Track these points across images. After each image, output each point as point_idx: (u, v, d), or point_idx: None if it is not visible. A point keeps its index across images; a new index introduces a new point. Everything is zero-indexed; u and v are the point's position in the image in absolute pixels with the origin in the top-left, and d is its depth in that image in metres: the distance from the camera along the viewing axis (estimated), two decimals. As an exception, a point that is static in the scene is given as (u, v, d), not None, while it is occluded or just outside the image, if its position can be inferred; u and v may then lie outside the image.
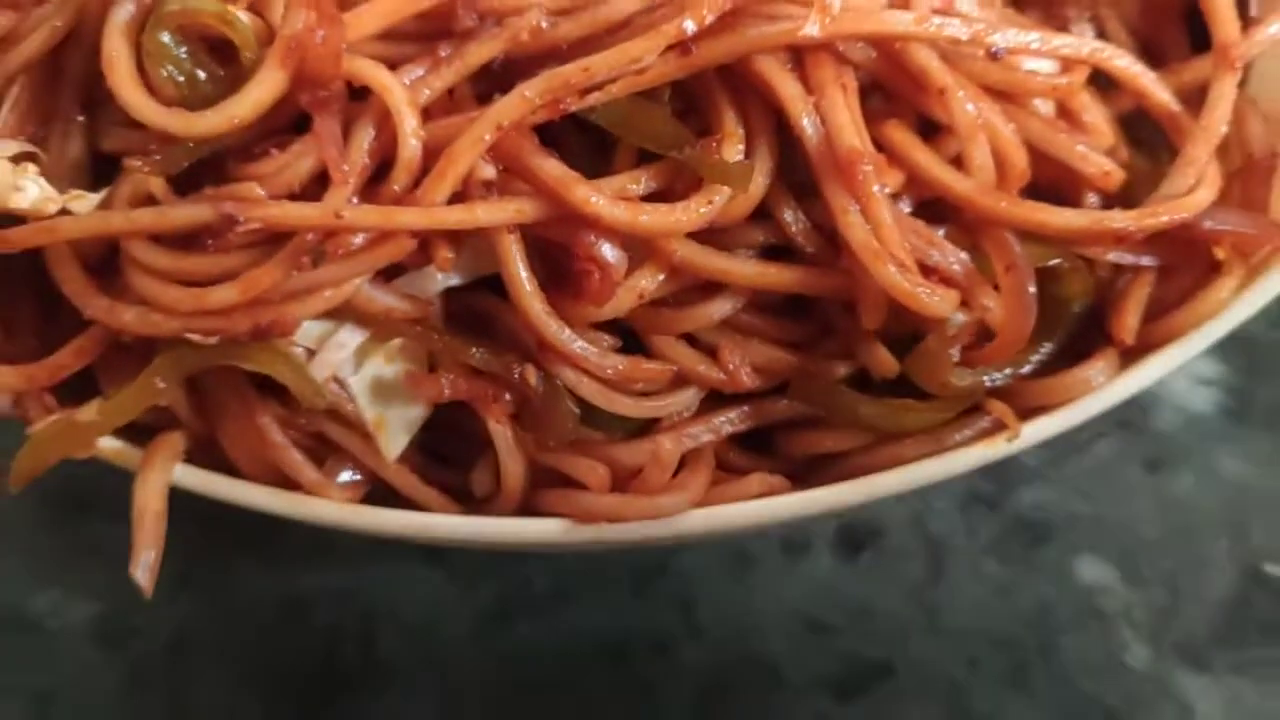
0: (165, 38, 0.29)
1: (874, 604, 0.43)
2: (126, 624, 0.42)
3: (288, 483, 0.32)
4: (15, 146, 0.31)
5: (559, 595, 0.43)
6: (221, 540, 0.42)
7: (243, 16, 0.29)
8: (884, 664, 0.41)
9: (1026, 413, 0.33)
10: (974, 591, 0.43)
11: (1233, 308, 0.32)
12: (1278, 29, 0.36)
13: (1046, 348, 0.33)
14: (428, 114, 0.30)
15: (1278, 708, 0.41)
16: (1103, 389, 0.33)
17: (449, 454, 0.34)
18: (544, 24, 0.30)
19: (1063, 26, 0.37)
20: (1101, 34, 0.38)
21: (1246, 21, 0.36)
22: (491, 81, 0.30)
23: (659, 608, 0.43)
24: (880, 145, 0.31)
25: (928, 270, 0.30)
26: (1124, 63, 0.33)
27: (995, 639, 0.42)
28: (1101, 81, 0.36)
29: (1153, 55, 0.38)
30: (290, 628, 0.42)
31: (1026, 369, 0.33)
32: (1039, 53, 0.31)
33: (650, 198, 0.30)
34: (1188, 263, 0.33)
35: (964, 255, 0.31)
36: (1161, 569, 0.43)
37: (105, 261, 0.32)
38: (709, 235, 0.31)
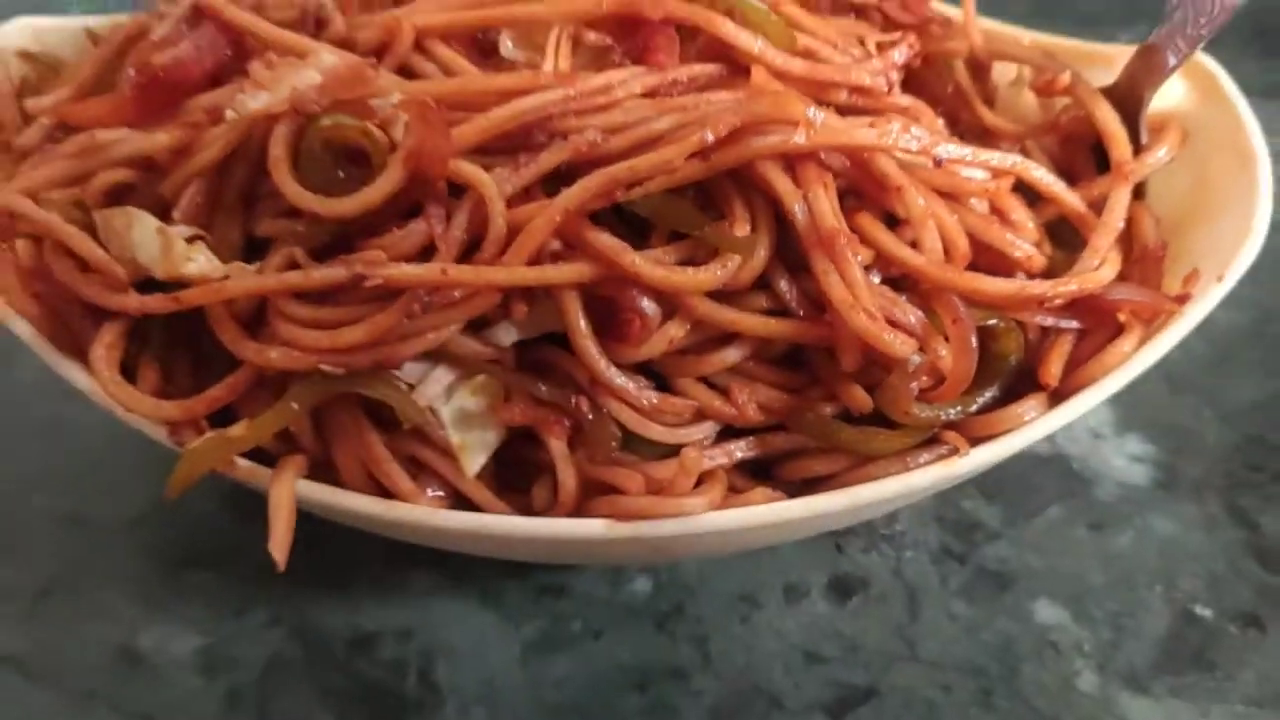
0: (317, 146, 0.39)
1: (861, 640, 0.49)
2: (224, 655, 0.48)
3: (387, 495, 0.41)
4: (189, 230, 0.40)
5: (591, 633, 0.49)
6: (304, 588, 0.49)
7: (376, 131, 0.39)
8: (870, 689, 0.48)
9: (974, 441, 0.41)
10: (946, 629, 0.49)
11: (1133, 360, 0.41)
12: (1162, 154, 0.46)
13: (989, 392, 0.41)
14: (509, 203, 0.39)
15: None
16: (1033, 423, 0.41)
17: (514, 482, 0.42)
18: (598, 139, 0.40)
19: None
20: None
21: (1138, 148, 0.47)
22: (558, 180, 0.40)
23: (677, 643, 0.49)
24: (853, 230, 0.40)
25: (892, 324, 0.39)
26: (1040, 174, 0.43)
27: (965, 668, 0.48)
28: (1030, 197, 0.46)
29: (1069, 177, 0.48)
30: (361, 659, 0.48)
31: (974, 407, 0.41)
32: (972, 163, 0.41)
33: (678, 265, 0.39)
34: (1098, 326, 0.42)
35: (920, 313, 0.40)
36: (1106, 610, 0.49)
37: (251, 320, 0.41)
38: (723, 296, 0.39)
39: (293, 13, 0.44)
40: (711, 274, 0.38)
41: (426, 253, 0.38)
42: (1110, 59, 0.48)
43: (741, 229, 0.38)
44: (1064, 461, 0.53)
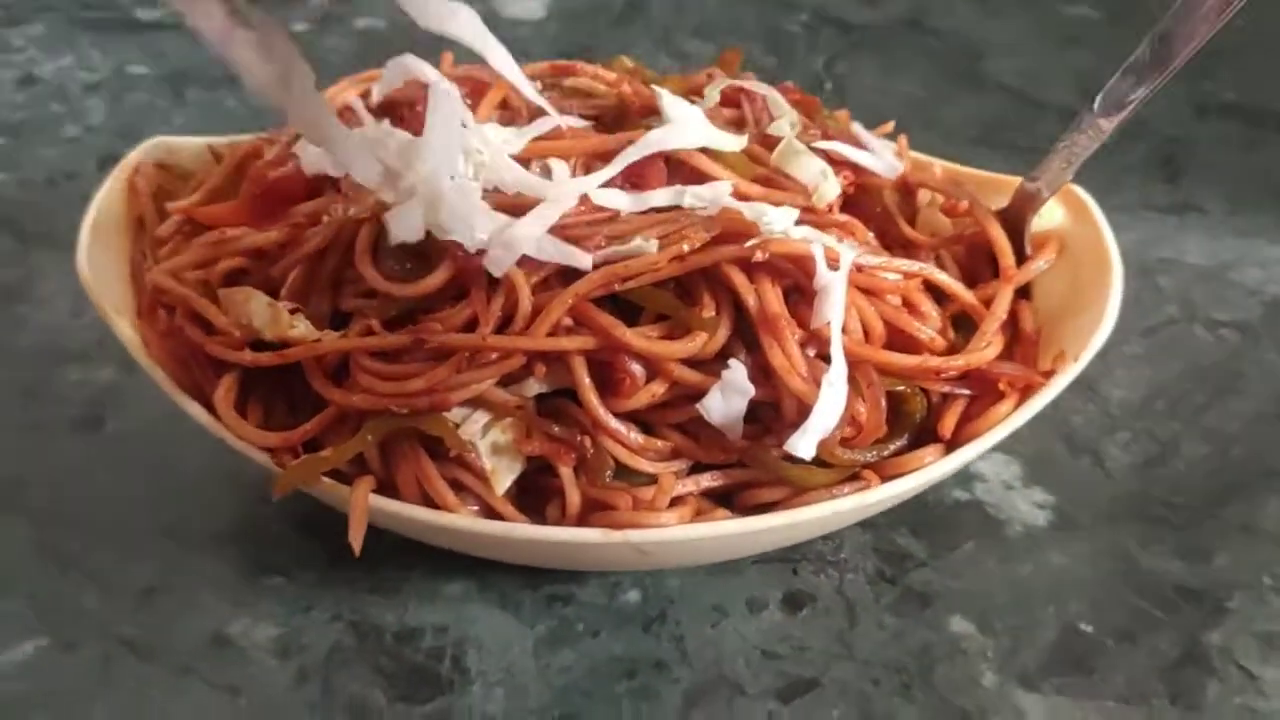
0: (391, 244, 0.52)
1: (808, 642, 0.59)
2: (296, 642, 0.59)
3: (436, 506, 0.53)
4: (291, 305, 0.54)
5: (591, 632, 0.59)
6: (361, 593, 0.61)
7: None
8: (815, 680, 0.58)
9: (886, 478, 0.53)
10: (877, 635, 0.59)
11: (1009, 420, 0.53)
12: (1041, 263, 0.58)
13: (899, 441, 0.53)
14: (533, 290, 0.51)
15: (1085, 715, 0.55)
16: (930, 466, 0.53)
17: (532, 505, 0.53)
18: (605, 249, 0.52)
19: (915, 258, 0.59)
20: (941, 266, 0.60)
21: (1022, 257, 0.60)
22: (571, 273, 0.52)
23: (660, 641, 0.58)
24: (793, 316, 0.53)
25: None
26: (942, 277, 0.55)
27: (891, 666, 0.57)
28: (940, 296, 0.58)
29: (972, 277, 0.61)
30: (406, 647, 0.59)
31: (886, 452, 0.53)
32: (887, 269, 0.54)
33: (660, 339, 0.52)
34: (984, 392, 0.53)
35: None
36: (1007, 624, 0.59)
37: (335, 372, 0.54)
38: (694, 363, 0.52)
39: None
40: (684, 346, 0.50)
41: (471, 326, 0.51)
42: (1007, 186, 0.60)
43: (708, 313, 0.51)
44: (981, 507, 0.65)
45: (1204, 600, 0.61)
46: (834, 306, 0.50)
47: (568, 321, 0.51)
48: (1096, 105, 0.53)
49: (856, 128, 0.62)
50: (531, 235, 0.50)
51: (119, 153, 0.92)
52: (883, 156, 0.59)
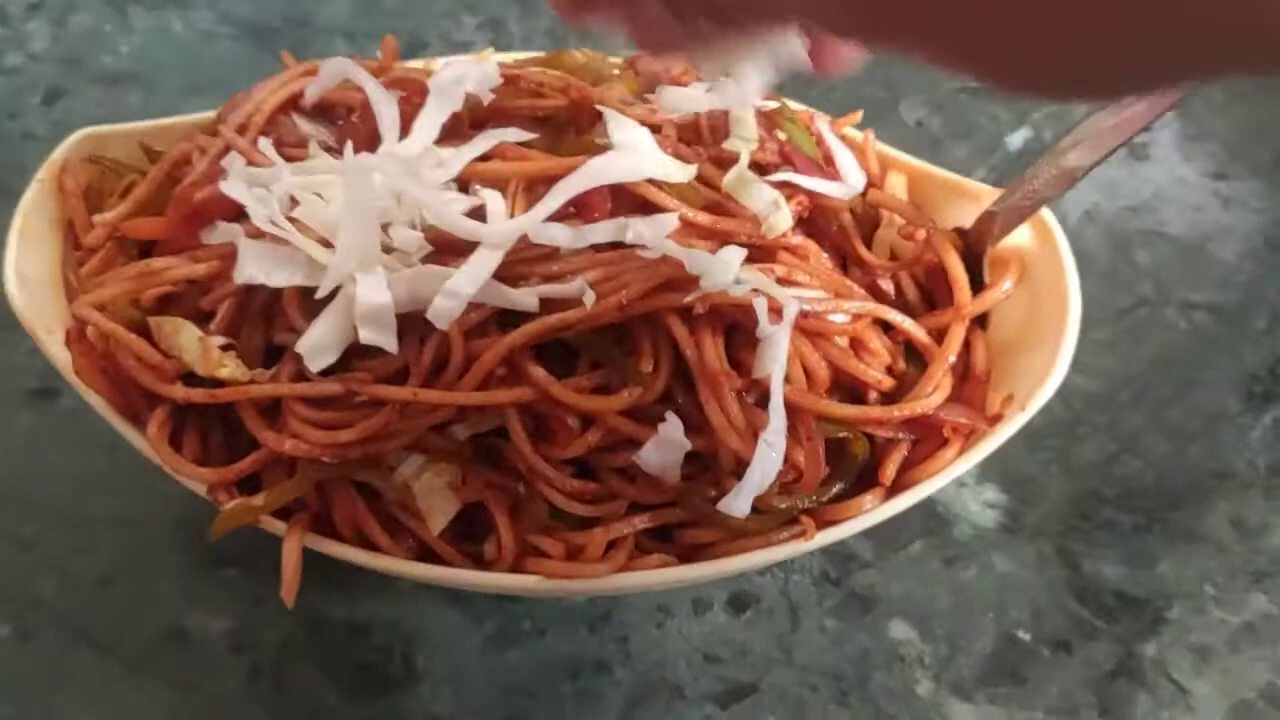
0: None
1: (750, 645, 0.61)
2: (249, 638, 0.61)
3: (372, 546, 0.53)
4: (222, 340, 0.52)
5: (537, 631, 0.61)
6: (313, 587, 0.60)
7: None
8: (753, 685, 0.59)
9: (824, 524, 0.53)
10: (818, 640, 0.60)
11: (951, 466, 0.52)
12: (999, 293, 0.56)
13: (839, 485, 0.53)
14: (468, 336, 0.50)
15: None
16: (870, 512, 0.52)
17: (470, 535, 0.54)
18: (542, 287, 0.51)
19: (873, 282, 0.58)
20: (898, 287, 0.58)
21: (981, 284, 0.58)
22: (510, 318, 0.51)
23: (604, 642, 0.60)
24: (736, 362, 0.52)
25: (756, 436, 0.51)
26: (895, 315, 0.54)
27: (830, 672, 0.59)
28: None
29: (932, 300, 0.59)
30: (357, 643, 0.61)
31: (826, 498, 0.53)
32: (835, 311, 0.52)
33: (596, 390, 0.51)
34: (927, 437, 0.53)
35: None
36: (947, 630, 0.60)
37: (270, 409, 0.53)
38: (631, 412, 0.51)
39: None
40: (620, 400, 0.49)
41: (402, 374, 0.50)
42: (978, 196, 0.58)
43: (646, 365, 0.50)
44: (930, 504, 0.65)
45: (1144, 610, 0.62)
46: (775, 360, 0.49)
47: (501, 371, 0.49)
48: (1064, 141, 0.50)
49: (822, 127, 0.59)
50: (475, 283, 0.48)
51: (64, 86, 0.89)
52: (845, 173, 0.56)
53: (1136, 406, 0.69)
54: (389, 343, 0.48)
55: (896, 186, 0.60)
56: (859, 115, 0.62)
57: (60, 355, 0.54)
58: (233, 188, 0.50)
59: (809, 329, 0.51)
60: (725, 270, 0.49)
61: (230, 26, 0.90)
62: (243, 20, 0.90)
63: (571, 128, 0.57)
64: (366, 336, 0.48)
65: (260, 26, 0.90)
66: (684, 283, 0.50)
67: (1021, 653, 0.61)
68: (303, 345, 0.48)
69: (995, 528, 0.65)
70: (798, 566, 0.63)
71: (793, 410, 0.50)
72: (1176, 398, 0.69)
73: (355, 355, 0.50)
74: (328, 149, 0.55)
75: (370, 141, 0.54)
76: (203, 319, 0.53)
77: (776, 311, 0.49)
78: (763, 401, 0.50)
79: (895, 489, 0.53)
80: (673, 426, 0.49)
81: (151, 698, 0.60)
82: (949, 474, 0.52)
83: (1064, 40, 0.22)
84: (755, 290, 0.49)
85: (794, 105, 0.61)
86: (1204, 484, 0.66)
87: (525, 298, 0.49)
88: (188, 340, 0.51)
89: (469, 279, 0.48)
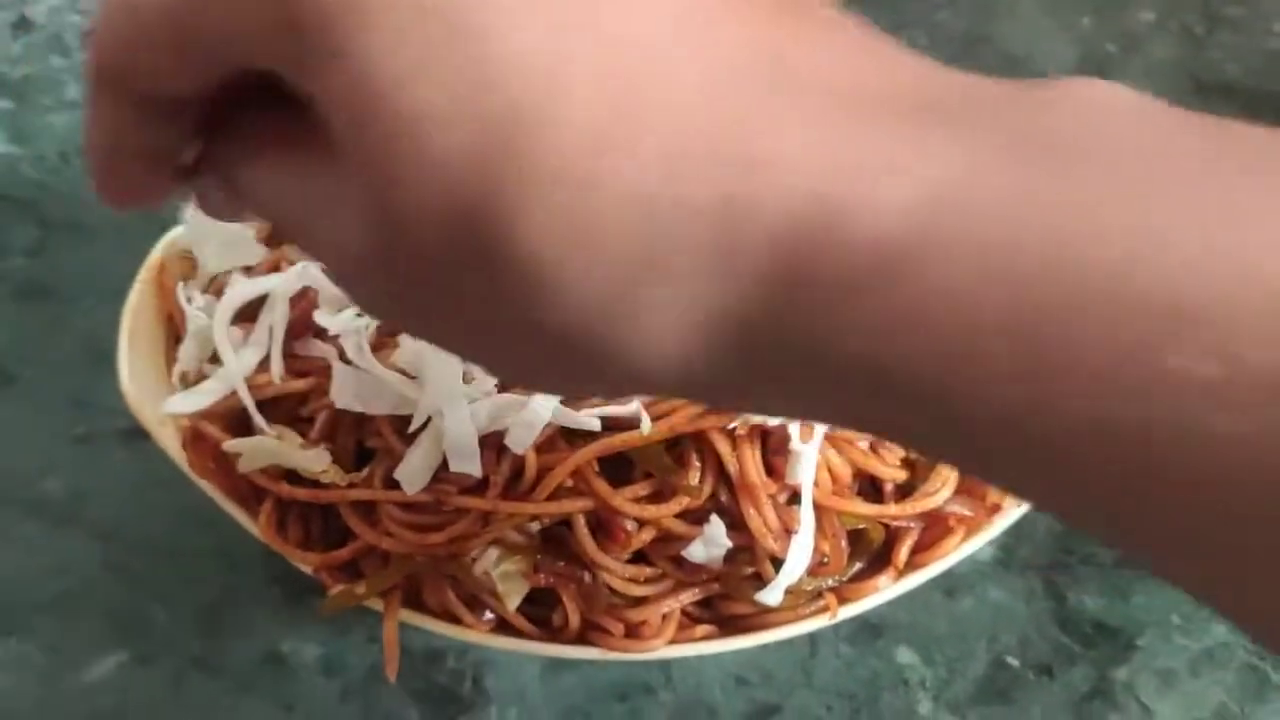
0: (409, 411, 0.58)
1: (775, 670, 0.70)
2: (339, 662, 0.71)
3: (456, 620, 0.62)
4: (322, 447, 0.60)
5: (589, 660, 0.71)
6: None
7: (449, 401, 0.58)
8: (778, 706, 0.69)
9: (844, 599, 0.62)
10: (833, 664, 0.70)
11: (956, 551, 0.61)
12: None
13: (858, 565, 0.62)
14: (539, 450, 0.58)
15: None
16: (884, 590, 0.61)
17: (541, 600, 0.63)
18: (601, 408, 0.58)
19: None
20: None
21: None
22: (572, 431, 0.58)
23: (649, 668, 0.69)
24: (770, 468, 0.59)
25: (789, 532, 0.59)
26: (908, 417, 0.61)
27: (843, 694, 0.70)
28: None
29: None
30: (433, 668, 0.70)
31: (846, 577, 0.62)
32: (857, 421, 0.60)
33: (650, 497, 0.59)
34: (935, 525, 0.61)
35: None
36: (946, 656, 0.70)
37: (366, 502, 0.61)
38: (681, 514, 0.59)
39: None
40: (671, 508, 0.57)
41: (483, 484, 0.57)
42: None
43: (694, 477, 0.57)
44: (935, 542, 0.74)
45: (1118, 637, 0.71)
46: (804, 472, 0.56)
47: (569, 482, 0.57)
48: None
49: None
50: (549, 411, 0.55)
51: None
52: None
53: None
54: (474, 468, 0.55)
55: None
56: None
57: (173, 447, 0.61)
58: (324, 318, 0.57)
59: (835, 436, 0.59)
60: (764, 398, 0.56)
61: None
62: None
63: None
64: (455, 465, 0.55)
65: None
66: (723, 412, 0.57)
67: (1010, 676, 0.70)
68: (401, 474, 0.55)
69: (990, 562, 0.73)
70: (817, 598, 0.72)
71: (820, 510, 0.58)
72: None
73: (443, 466, 0.58)
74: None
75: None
76: (299, 421, 0.60)
77: (809, 429, 0.57)
78: (794, 500, 0.58)
79: (906, 568, 0.61)
80: (716, 528, 0.57)
81: (257, 714, 0.69)
82: (953, 557, 0.60)
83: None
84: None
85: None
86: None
87: (589, 420, 0.56)
88: (290, 447, 0.59)
89: (542, 408, 0.55)
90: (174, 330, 0.65)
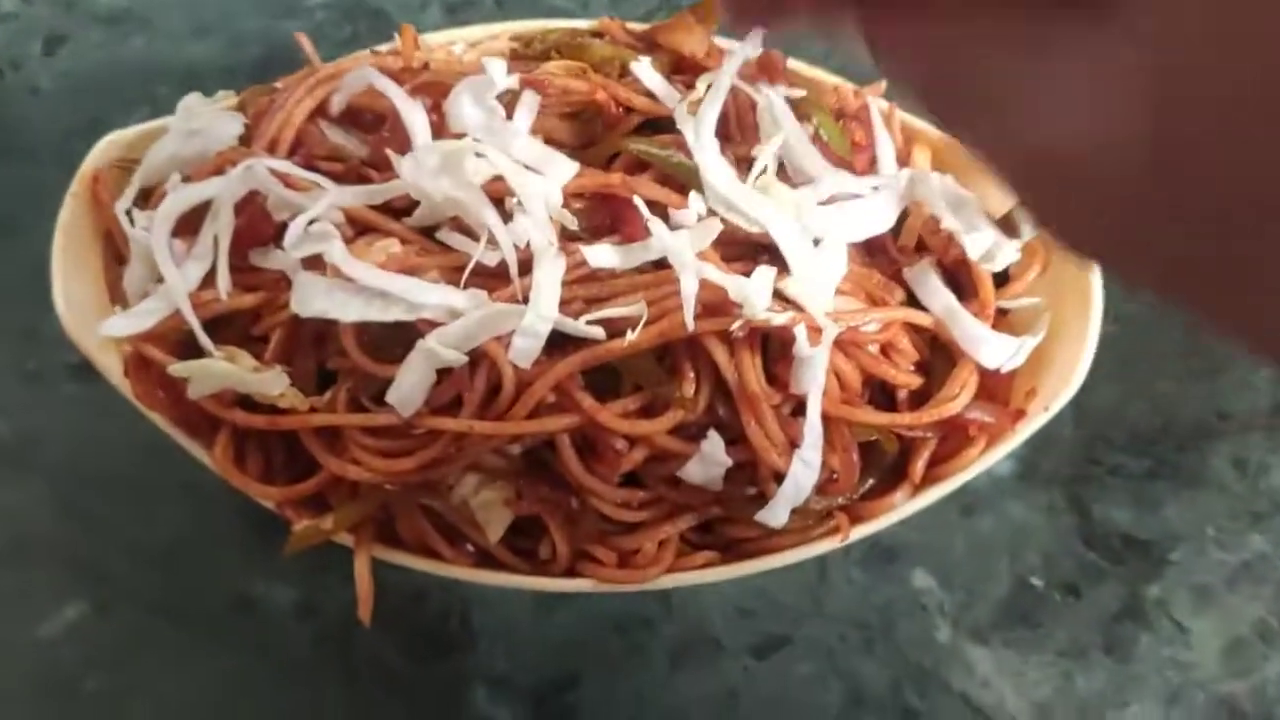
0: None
1: (781, 598, 0.65)
2: (313, 604, 0.66)
3: (435, 554, 0.57)
4: (279, 368, 0.54)
5: (583, 594, 0.67)
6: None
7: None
8: (786, 637, 0.65)
9: (856, 519, 0.57)
10: (845, 591, 0.65)
11: (977, 462, 0.55)
12: (1020, 292, 0.58)
13: (870, 482, 0.56)
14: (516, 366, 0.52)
15: (1028, 668, 0.64)
16: (900, 507, 0.56)
17: (527, 531, 0.57)
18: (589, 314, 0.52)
19: (899, 270, 0.59)
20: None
21: (1006, 277, 0.59)
22: (553, 340, 0.53)
23: (646, 600, 0.64)
24: (772, 376, 0.54)
25: (794, 445, 0.53)
26: (920, 317, 0.56)
27: (856, 622, 0.64)
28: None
29: (958, 288, 0.60)
30: (416, 607, 0.65)
31: (858, 495, 0.56)
32: (866, 322, 0.54)
33: (640, 411, 0.53)
34: (954, 435, 0.56)
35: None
36: (965, 578, 0.65)
37: (330, 429, 0.55)
38: (675, 430, 0.54)
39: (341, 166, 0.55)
40: (664, 423, 0.52)
41: (456, 403, 0.52)
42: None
43: (688, 388, 0.52)
44: (949, 455, 0.69)
45: (1149, 552, 0.66)
46: (813, 381, 0.51)
47: (551, 398, 0.52)
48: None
49: (874, 113, 0.59)
50: (549, 322, 0.50)
51: (63, 32, 0.87)
52: (883, 165, 0.56)
53: (1145, 351, 0.71)
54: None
55: (920, 163, 0.61)
56: (883, 86, 0.62)
57: (116, 375, 0.56)
58: (295, 240, 0.51)
59: (843, 340, 0.53)
60: (765, 296, 0.50)
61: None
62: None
63: (599, 118, 0.57)
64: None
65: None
66: (724, 306, 0.51)
67: (1034, 598, 0.65)
68: (393, 396, 0.50)
69: (1010, 477, 0.68)
70: (825, 521, 0.67)
71: (828, 421, 0.53)
72: (1184, 340, 0.71)
73: (407, 387, 0.52)
74: (360, 162, 0.56)
75: (404, 150, 0.55)
76: (252, 341, 0.55)
77: (815, 331, 0.51)
78: (799, 411, 0.53)
79: (923, 483, 0.56)
80: (715, 444, 0.52)
81: (226, 665, 0.64)
82: (975, 469, 0.55)
83: None
84: (796, 314, 0.51)
85: (833, 79, 0.61)
86: (1209, 425, 0.69)
87: (591, 328, 0.51)
88: (244, 369, 0.53)
89: (542, 318, 0.50)
90: (114, 249, 0.59)
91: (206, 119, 0.58)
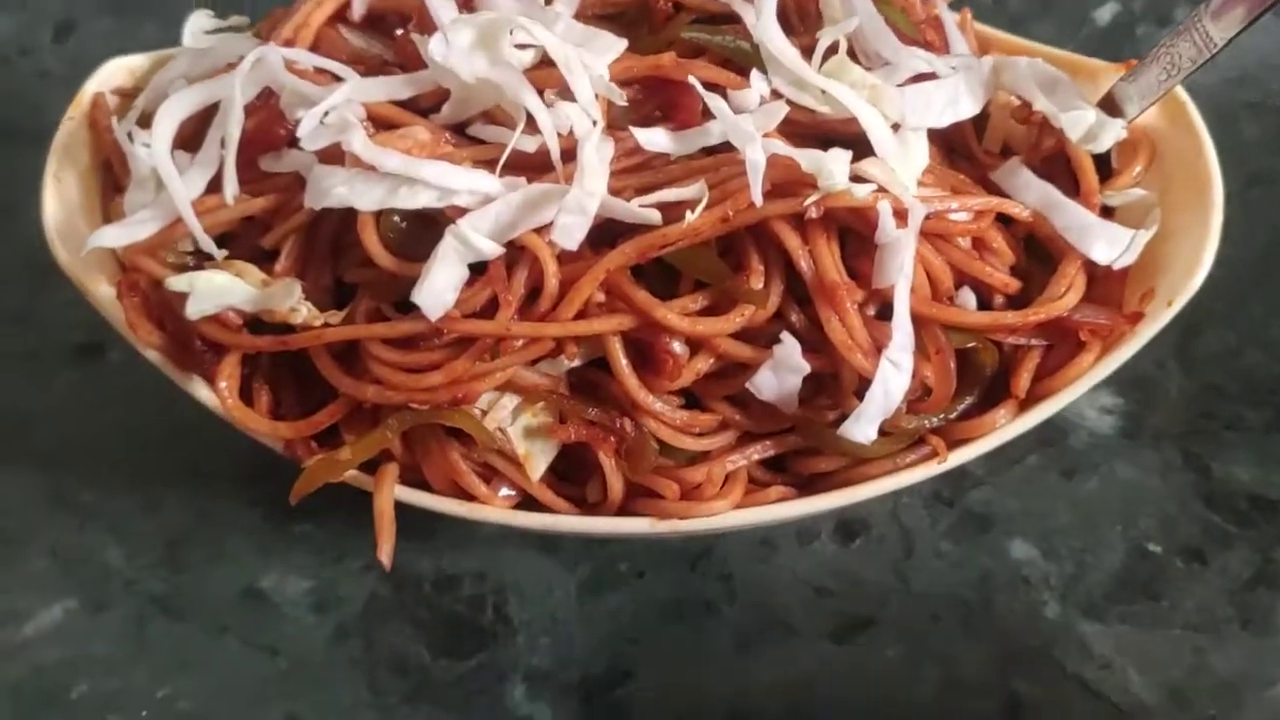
0: (396, 218, 0.46)
1: (862, 575, 0.57)
2: (332, 595, 0.57)
3: (467, 496, 0.49)
4: (291, 281, 0.48)
5: (635, 572, 0.57)
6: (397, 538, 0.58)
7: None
8: (869, 618, 0.56)
9: (954, 443, 0.48)
10: (935, 565, 0.57)
11: (1091, 372, 0.48)
12: (1128, 184, 0.51)
13: (968, 400, 0.48)
14: (561, 260, 0.46)
15: (1152, 645, 0.54)
16: (1004, 428, 0.48)
17: (572, 476, 0.49)
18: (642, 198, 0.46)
19: (984, 176, 0.53)
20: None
21: (1109, 171, 0.53)
22: (602, 237, 0.47)
23: (707, 580, 0.57)
24: (853, 271, 0.47)
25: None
26: (1018, 209, 0.49)
27: (949, 600, 0.56)
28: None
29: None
30: (446, 596, 0.58)
31: (954, 415, 0.49)
32: (958, 210, 0.48)
33: (704, 311, 0.46)
34: (1062, 341, 0.48)
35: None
36: (1071, 548, 0.57)
37: (346, 352, 0.49)
38: (741, 334, 0.47)
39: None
40: (731, 322, 0.45)
41: (493, 304, 0.45)
42: (1094, 73, 0.53)
43: (757, 281, 0.45)
44: (1043, 413, 0.61)
45: (1279, 512, 0.58)
46: (901, 269, 0.44)
47: (600, 296, 0.45)
48: (1210, 5, 0.45)
49: (940, 9, 0.54)
50: (597, 197, 0.44)
51: (72, 17, 0.84)
52: (954, 59, 0.51)
53: (1256, 294, 0.64)
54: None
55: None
56: (956, -10, 0.57)
57: (112, 309, 0.50)
58: (310, 133, 0.45)
59: (930, 230, 0.47)
60: (842, 168, 0.44)
61: (246, -53, 0.84)
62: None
63: (645, 24, 0.51)
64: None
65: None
66: (794, 187, 0.45)
67: (1153, 566, 0.57)
68: (420, 295, 0.43)
69: (1114, 434, 0.60)
70: (907, 488, 0.59)
71: (918, 321, 0.46)
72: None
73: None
74: (384, 64, 0.50)
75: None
76: (262, 258, 0.48)
77: (900, 215, 0.45)
78: (884, 314, 0.46)
79: (1029, 401, 0.48)
80: (790, 348, 0.45)
81: (234, 665, 0.56)
82: (1089, 380, 0.48)
83: None
84: (878, 191, 0.44)
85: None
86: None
87: (645, 210, 0.44)
88: (252, 285, 0.47)
89: (589, 193, 0.43)
90: (113, 182, 0.53)
91: (217, 39, 0.53)
